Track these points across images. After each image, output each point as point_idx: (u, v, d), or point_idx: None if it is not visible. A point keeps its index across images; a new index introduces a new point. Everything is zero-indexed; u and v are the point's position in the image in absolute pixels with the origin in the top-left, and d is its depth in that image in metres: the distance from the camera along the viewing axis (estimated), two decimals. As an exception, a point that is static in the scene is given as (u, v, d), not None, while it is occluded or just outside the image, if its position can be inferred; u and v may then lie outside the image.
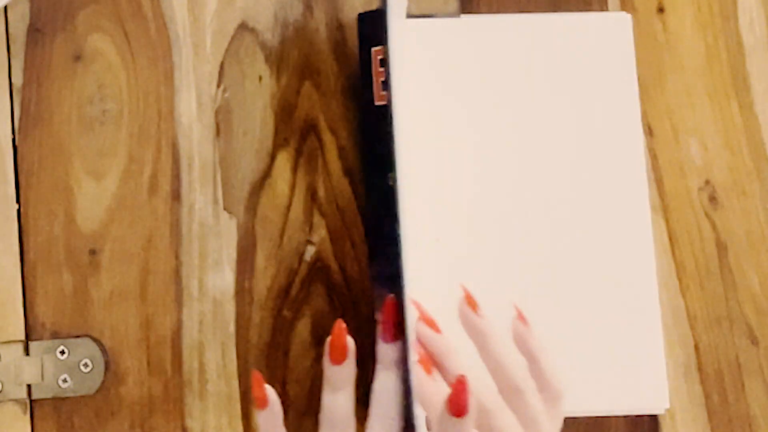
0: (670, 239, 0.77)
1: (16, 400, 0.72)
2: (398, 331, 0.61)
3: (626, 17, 0.77)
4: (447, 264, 0.74)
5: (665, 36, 0.79)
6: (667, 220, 0.77)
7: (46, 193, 0.74)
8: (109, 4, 0.76)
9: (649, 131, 0.78)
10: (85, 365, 0.73)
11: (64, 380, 0.72)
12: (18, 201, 0.74)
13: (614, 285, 0.74)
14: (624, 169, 0.76)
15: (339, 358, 0.61)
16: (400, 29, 0.75)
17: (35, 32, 0.75)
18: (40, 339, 0.73)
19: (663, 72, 0.79)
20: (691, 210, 0.77)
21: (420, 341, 0.63)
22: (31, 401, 0.72)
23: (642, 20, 0.79)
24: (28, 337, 0.73)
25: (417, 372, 0.61)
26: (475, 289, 0.73)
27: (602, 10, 0.79)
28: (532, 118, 0.76)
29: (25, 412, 0.72)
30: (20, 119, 0.75)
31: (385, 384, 0.61)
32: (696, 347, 0.76)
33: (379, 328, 0.61)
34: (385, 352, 0.61)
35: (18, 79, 0.75)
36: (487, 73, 0.76)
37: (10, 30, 0.75)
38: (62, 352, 0.73)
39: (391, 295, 0.61)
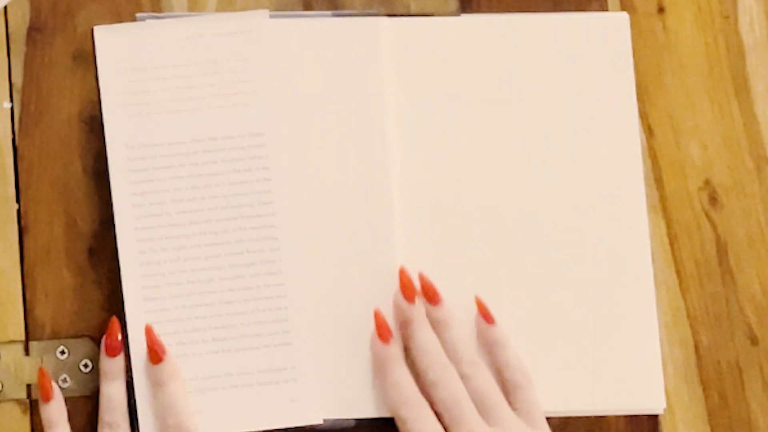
0: (670, 239, 0.77)
1: (16, 400, 0.72)
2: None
3: (624, 17, 0.77)
4: (446, 263, 0.74)
5: (665, 36, 0.79)
6: (667, 220, 0.77)
7: (46, 193, 0.74)
8: (109, 4, 0.76)
9: (649, 131, 0.78)
10: (85, 365, 0.73)
11: (64, 380, 0.72)
12: (18, 201, 0.74)
13: (611, 285, 0.74)
14: (621, 168, 0.75)
15: (114, 352, 0.71)
16: (400, 29, 0.75)
17: (35, 32, 0.75)
18: (40, 339, 0.73)
19: (663, 72, 0.79)
20: (691, 210, 0.77)
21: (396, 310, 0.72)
22: (31, 401, 0.72)
23: (642, 20, 0.79)
24: (28, 337, 0.73)
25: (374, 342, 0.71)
26: (469, 289, 0.73)
27: (602, 10, 0.79)
28: (530, 117, 0.75)
29: (25, 412, 0.72)
30: (20, 119, 0.75)
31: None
32: (696, 347, 0.76)
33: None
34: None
35: (18, 79, 0.75)
36: (487, 72, 0.76)
37: (10, 30, 0.75)
38: (62, 352, 0.73)
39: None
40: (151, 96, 0.73)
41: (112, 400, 0.71)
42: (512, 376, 0.70)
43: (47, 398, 0.71)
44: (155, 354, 0.70)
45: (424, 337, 0.71)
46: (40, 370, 0.71)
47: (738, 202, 0.78)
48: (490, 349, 0.71)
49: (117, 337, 0.71)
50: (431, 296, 0.72)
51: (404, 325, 0.71)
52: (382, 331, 0.71)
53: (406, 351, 0.71)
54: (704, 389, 0.76)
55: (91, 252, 0.74)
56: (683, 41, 0.79)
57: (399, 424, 0.70)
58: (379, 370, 0.71)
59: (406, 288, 0.71)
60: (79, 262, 0.74)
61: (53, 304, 0.73)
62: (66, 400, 0.72)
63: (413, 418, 0.69)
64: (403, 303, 0.71)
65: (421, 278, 0.72)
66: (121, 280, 0.72)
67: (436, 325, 0.71)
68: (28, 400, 0.72)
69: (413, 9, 0.78)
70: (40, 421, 0.71)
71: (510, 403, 0.70)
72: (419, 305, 0.71)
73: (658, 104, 0.78)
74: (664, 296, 0.76)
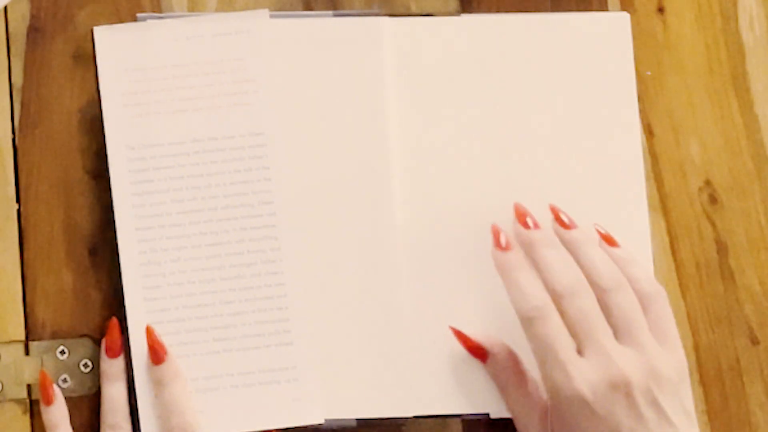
0: (670, 239, 0.77)
1: (16, 400, 0.72)
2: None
3: (624, 17, 0.77)
4: (447, 263, 0.74)
5: (665, 36, 0.79)
6: (667, 220, 0.77)
7: (46, 193, 0.74)
8: (109, 4, 0.76)
9: (649, 131, 0.78)
10: (85, 365, 0.73)
11: (64, 380, 0.72)
12: (18, 201, 0.74)
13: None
14: (622, 168, 0.76)
15: (114, 353, 0.71)
16: (400, 29, 0.75)
17: (35, 32, 0.75)
18: (40, 339, 0.73)
19: (663, 72, 0.79)
20: (691, 210, 0.77)
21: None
22: (31, 401, 0.72)
23: (642, 20, 0.79)
24: (28, 337, 0.73)
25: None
26: (470, 293, 0.73)
27: (602, 9, 0.79)
28: (531, 117, 0.75)
29: (25, 412, 0.72)
30: (20, 119, 0.75)
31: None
32: (696, 347, 0.76)
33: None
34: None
35: (18, 79, 0.75)
36: (487, 72, 0.76)
37: (10, 30, 0.75)
38: (62, 352, 0.72)
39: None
40: (151, 96, 0.73)
41: (114, 401, 0.71)
42: (643, 288, 0.69)
43: (49, 402, 0.71)
44: (156, 354, 0.70)
45: (550, 253, 0.69)
46: (42, 373, 0.71)
47: (738, 202, 0.78)
48: (617, 265, 0.70)
49: (117, 338, 0.71)
50: (559, 219, 0.71)
51: (528, 250, 0.70)
52: (498, 241, 0.70)
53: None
54: (704, 389, 0.76)
55: (91, 252, 0.74)
56: (683, 41, 0.79)
57: (525, 327, 0.68)
58: (503, 277, 0.69)
59: (521, 216, 0.71)
60: (79, 262, 0.74)
61: (53, 304, 0.73)
62: (66, 400, 0.72)
63: (540, 319, 0.67)
64: (521, 228, 0.70)
65: (550, 206, 0.71)
66: (121, 280, 0.72)
67: (568, 245, 0.70)
68: (28, 400, 0.72)
69: (413, 9, 0.78)
70: (41, 421, 0.71)
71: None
72: (540, 229, 0.70)
73: (658, 104, 0.78)
74: (664, 296, 0.76)
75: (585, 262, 0.69)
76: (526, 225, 0.70)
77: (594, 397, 0.66)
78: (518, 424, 0.71)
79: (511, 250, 0.70)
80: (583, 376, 0.66)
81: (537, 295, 0.68)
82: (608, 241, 0.71)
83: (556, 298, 0.68)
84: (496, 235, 0.70)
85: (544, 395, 0.70)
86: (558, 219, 0.71)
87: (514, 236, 0.71)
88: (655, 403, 0.66)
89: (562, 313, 0.68)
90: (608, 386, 0.66)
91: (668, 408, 0.66)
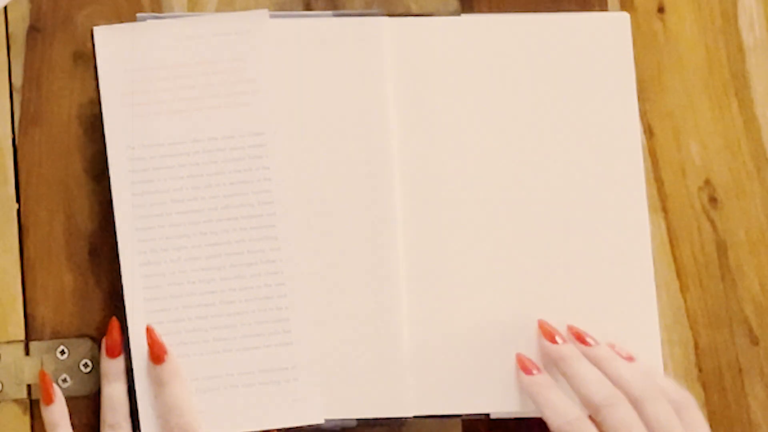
0: (670, 239, 0.77)
1: (16, 400, 0.72)
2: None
3: (625, 17, 0.77)
4: (448, 263, 0.74)
5: (665, 36, 0.79)
6: (667, 220, 0.77)
7: (46, 193, 0.74)
8: (109, 4, 0.76)
9: (649, 131, 0.78)
10: (85, 365, 0.73)
11: (64, 380, 0.72)
12: (18, 201, 0.74)
13: (611, 285, 0.74)
14: (622, 168, 0.75)
15: (114, 353, 0.71)
16: (400, 29, 0.75)
17: (35, 32, 0.75)
18: (40, 339, 0.73)
19: (663, 72, 0.79)
20: (691, 210, 0.77)
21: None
22: (31, 401, 0.72)
23: (642, 20, 0.79)
24: (28, 337, 0.73)
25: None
26: (470, 292, 0.73)
27: (602, 10, 0.79)
28: (531, 117, 0.75)
29: (25, 412, 0.72)
30: (20, 119, 0.75)
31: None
32: (696, 347, 0.76)
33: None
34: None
35: (18, 79, 0.75)
36: (487, 72, 0.76)
37: (10, 30, 0.75)
38: (62, 352, 0.73)
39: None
40: (151, 96, 0.73)
41: (114, 401, 0.71)
42: (674, 397, 0.69)
43: (49, 402, 0.71)
44: (156, 354, 0.70)
45: (582, 368, 0.70)
46: (41, 373, 0.71)
47: (738, 202, 0.78)
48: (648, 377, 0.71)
49: (117, 338, 0.71)
50: (583, 340, 0.72)
51: (559, 365, 0.71)
52: (525, 365, 0.72)
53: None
54: (704, 389, 0.76)
55: (91, 252, 0.74)
56: (683, 41, 0.79)
57: None
58: (535, 399, 0.71)
59: (546, 333, 0.72)
60: (79, 262, 0.74)
61: (53, 304, 0.73)
62: (66, 400, 0.72)
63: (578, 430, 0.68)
64: (549, 344, 0.72)
65: (570, 327, 0.73)
66: (121, 280, 0.72)
67: (594, 361, 0.71)
68: (28, 400, 0.72)
69: (413, 9, 0.78)
70: (41, 421, 0.71)
71: None
72: (567, 344, 0.72)
73: (658, 104, 0.78)
74: (664, 296, 0.76)
75: (614, 375, 0.70)
76: (554, 341, 0.72)
77: None
78: None
79: (539, 373, 0.71)
80: None
81: (572, 409, 0.69)
82: (627, 357, 0.72)
83: (595, 410, 0.69)
84: (521, 362, 0.72)
85: None
86: (581, 340, 0.72)
87: (543, 353, 0.72)
88: None
89: (601, 425, 0.68)
90: None
91: None
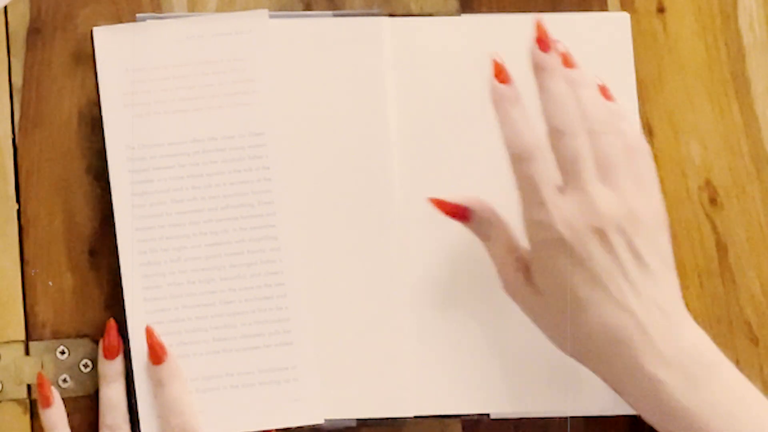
0: (670, 239, 0.77)
1: (16, 400, 0.72)
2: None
3: (625, 17, 0.77)
4: (448, 263, 0.74)
5: (665, 36, 0.79)
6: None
7: (46, 193, 0.74)
8: (109, 4, 0.76)
9: (649, 131, 0.78)
10: (85, 365, 0.73)
11: (64, 380, 0.72)
12: (18, 201, 0.74)
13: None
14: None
15: (112, 354, 0.71)
16: (400, 29, 0.75)
17: (35, 32, 0.75)
18: (40, 339, 0.73)
19: (663, 72, 0.79)
20: (691, 210, 0.78)
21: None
22: (31, 401, 0.72)
23: (642, 20, 0.79)
24: (28, 337, 0.73)
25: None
26: (470, 292, 0.73)
27: (602, 10, 0.79)
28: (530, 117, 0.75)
29: (25, 412, 0.72)
30: (20, 119, 0.75)
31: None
32: (696, 347, 0.76)
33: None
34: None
35: (18, 79, 0.75)
36: (487, 72, 0.76)
37: (10, 30, 0.75)
38: (62, 352, 0.73)
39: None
40: (151, 96, 0.73)
41: (112, 402, 0.71)
42: (631, 141, 0.68)
43: (47, 405, 0.71)
44: (156, 354, 0.70)
45: (555, 86, 0.68)
46: (39, 376, 0.71)
47: (738, 202, 0.78)
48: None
49: (115, 340, 0.71)
50: (567, 59, 0.70)
51: (536, 72, 0.69)
52: (499, 73, 0.69)
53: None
54: (704, 389, 0.76)
55: (91, 252, 0.74)
56: (683, 41, 0.79)
57: (514, 164, 0.67)
58: (497, 109, 0.69)
59: (541, 38, 0.69)
60: (79, 262, 0.74)
61: (53, 304, 0.73)
62: (66, 400, 0.72)
63: (529, 158, 0.67)
64: (537, 51, 0.69)
65: (562, 53, 0.70)
66: (121, 280, 0.72)
67: (570, 83, 0.69)
68: (28, 400, 0.72)
69: (413, 9, 0.78)
70: (41, 421, 0.71)
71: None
72: (554, 56, 0.69)
73: (658, 104, 0.78)
74: (664, 296, 0.76)
75: (582, 100, 0.68)
76: (545, 48, 0.69)
77: (571, 235, 0.65)
78: (500, 273, 0.70)
79: (509, 83, 0.69)
80: (562, 214, 0.66)
81: (529, 134, 0.67)
82: (604, 92, 0.70)
83: (555, 134, 0.67)
84: (496, 66, 0.70)
85: (525, 244, 0.69)
86: (568, 63, 0.69)
87: (529, 56, 0.69)
88: (630, 245, 0.66)
89: (556, 151, 0.67)
90: (585, 224, 0.66)
91: (644, 251, 0.66)
